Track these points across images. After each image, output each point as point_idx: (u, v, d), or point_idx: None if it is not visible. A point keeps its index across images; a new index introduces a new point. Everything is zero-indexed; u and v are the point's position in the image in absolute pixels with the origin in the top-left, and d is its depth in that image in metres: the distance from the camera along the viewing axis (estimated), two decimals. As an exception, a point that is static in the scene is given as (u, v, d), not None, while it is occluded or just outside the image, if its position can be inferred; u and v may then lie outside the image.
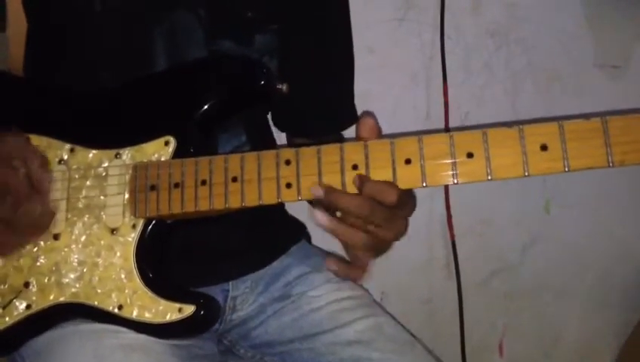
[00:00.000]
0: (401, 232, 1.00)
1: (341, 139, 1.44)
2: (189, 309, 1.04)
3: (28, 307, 1.09)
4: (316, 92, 1.35)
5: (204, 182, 1.04)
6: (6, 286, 1.10)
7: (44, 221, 1.09)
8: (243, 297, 1.29)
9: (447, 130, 1.84)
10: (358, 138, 0.99)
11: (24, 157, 1.07)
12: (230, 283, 1.27)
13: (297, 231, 1.42)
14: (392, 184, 0.94)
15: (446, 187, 1.85)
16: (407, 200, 0.98)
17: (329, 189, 0.97)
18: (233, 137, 1.24)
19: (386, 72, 1.83)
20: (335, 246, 1.46)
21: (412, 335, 1.28)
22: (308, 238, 1.45)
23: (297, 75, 1.30)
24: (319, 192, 0.97)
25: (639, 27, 1.99)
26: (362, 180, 0.95)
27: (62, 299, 1.08)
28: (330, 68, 1.38)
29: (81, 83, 1.19)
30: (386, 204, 0.95)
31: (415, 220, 1.86)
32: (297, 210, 1.39)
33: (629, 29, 1.98)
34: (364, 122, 0.99)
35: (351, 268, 1.02)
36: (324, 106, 1.38)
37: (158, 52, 1.19)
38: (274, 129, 1.44)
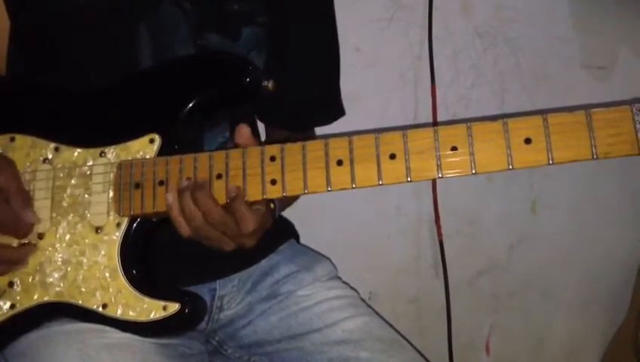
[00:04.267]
0: (245, 246, 1.06)
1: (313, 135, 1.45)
2: (173, 307, 1.04)
3: (12, 307, 1.08)
4: (303, 84, 1.35)
5: (188, 180, 1.03)
6: (-10, 285, 1.09)
7: (19, 256, 1.09)
8: (230, 296, 1.28)
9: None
10: (235, 145, 1.04)
11: (7, 192, 1.08)
12: (217, 281, 1.27)
13: (285, 230, 1.41)
14: (253, 215, 1.01)
15: (434, 187, 1.85)
16: (260, 230, 1.04)
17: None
18: (218, 134, 1.23)
19: (374, 71, 1.83)
20: (326, 247, 1.47)
21: (400, 334, 1.28)
22: (296, 237, 1.45)
23: (284, 68, 1.30)
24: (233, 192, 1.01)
25: (625, 29, 2.00)
26: (237, 194, 1.00)
27: (46, 298, 1.08)
28: (316, 60, 1.38)
29: (65, 80, 1.18)
30: (241, 230, 1.01)
31: (403, 220, 1.88)
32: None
33: (616, 30, 1.99)
34: (239, 131, 1.04)
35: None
36: (310, 99, 1.38)
37: (144, 46, 1.19)
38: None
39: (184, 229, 1.03)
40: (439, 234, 1.88)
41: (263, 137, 1.46)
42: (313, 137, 1.44)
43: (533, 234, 1.98)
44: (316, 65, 1.38)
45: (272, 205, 1.06)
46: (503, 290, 1.99)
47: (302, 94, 1.35)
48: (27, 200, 1.09)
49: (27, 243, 1.10)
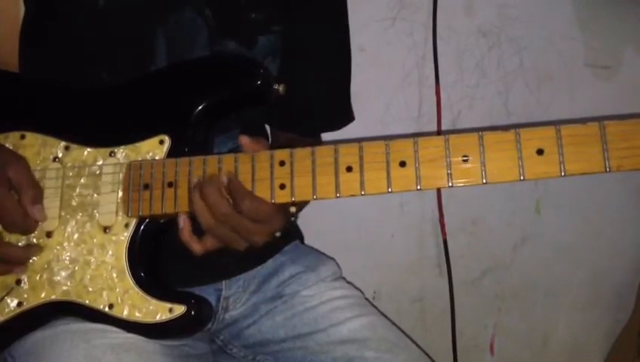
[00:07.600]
0: (255, 244, 1.06)
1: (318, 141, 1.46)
2: (179, 309, 1.04)
3: (19, 304, 1.09)
4: (315, 92, 1.36)
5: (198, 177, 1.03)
6: (-3, 283, 1.09)
7: (24, 254, 1.09)
8: (236, 296, 1.29)
9: (439, 130, 1.84)
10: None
11: (19, 187, 1.07)
12: (223, 282, 1.27)
13: (290, 231, 1.42)
14: (251, 193, 1.00)
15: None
16: (268, 217, 1.03)
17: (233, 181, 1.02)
18: (229, 139, 1.24)
19: (378, 71, 1.83)
20: (330, 247, 1.47)
21: (404, 334, 1.29)
22: (301, 238, 1.45)
23: (297, 76, 1.31)
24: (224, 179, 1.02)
25: (630, 28, 2.00)
26: (230, 178, 1.01)
27: (53, 297, 1.08)
28: (329, 69, 1.38)
29: (80, 80, 1.18)
30: (239, 207, 1.00)
31: (407, 219, 1.88)
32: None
33: (620, 29, 1.99)
34: (241, 143, 1.05)
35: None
36: (321, 106, 1.39)
37: (161, 50, 1.19)
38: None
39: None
40: (443, 234, 1.88)
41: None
42: (319, 143, 1.45)
43: (537, 233, 1.98)
44: (328, 73, 1.38)
45: (292, 209, 1.06)
46: (507, 290, 1.99)
47: (313, 100, 1.36)
48: (38, 195, 1.09)
49: (33, 245, 1.10)
